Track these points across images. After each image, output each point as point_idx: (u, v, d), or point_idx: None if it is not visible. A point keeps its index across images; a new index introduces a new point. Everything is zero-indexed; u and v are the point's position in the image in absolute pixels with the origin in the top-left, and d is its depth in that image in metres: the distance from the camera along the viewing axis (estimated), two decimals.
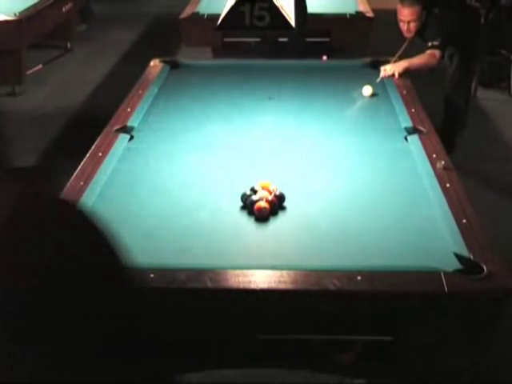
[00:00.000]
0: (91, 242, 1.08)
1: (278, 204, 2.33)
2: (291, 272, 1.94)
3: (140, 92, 3.41)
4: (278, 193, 2.35)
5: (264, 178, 2.44)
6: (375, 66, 3.81)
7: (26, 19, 5.51)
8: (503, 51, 5.74)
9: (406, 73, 3.70)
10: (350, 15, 4.95)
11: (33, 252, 0.96)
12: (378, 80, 3.56)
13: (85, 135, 3.23)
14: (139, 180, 2.60)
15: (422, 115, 3.09)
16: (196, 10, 5.10)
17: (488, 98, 5.66)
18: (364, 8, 5.13)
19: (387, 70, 3.66)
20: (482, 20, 5.46)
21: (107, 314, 1.05)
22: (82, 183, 2.47)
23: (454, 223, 2.19)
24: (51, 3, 6.06)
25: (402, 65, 3.71)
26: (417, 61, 3.85)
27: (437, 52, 3.90)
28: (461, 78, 4.37)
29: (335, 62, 4.06)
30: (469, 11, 4.57)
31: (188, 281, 1.92)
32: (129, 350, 1.11)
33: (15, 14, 5.44)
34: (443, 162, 2.56)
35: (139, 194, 2.49)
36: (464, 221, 2.19)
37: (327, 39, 4.82)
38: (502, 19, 5.66)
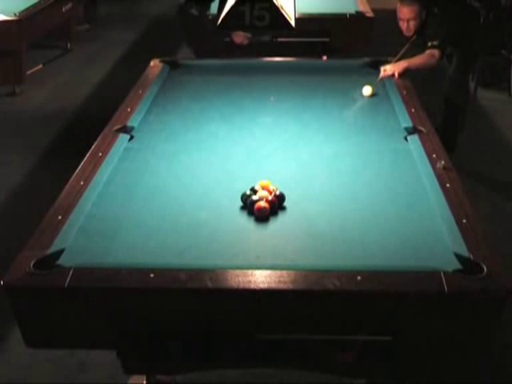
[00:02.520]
0: None
1: (277, 204, 2.33)
2: (291, 272, 1.94)
3: (140, 92, 3.41)
4: (278, 193, 2.35)
5: (264, 178, 2.44)
6: (375, 65, 3.82)
7: (25, 19, 5.52)
8: (503, 51, 5.74)
9: (405, 73, 3.70)
10: (350, 15, 4.94)
11: None
12: (378, 81, 3.56)
13: (85, 135, 3.23)
14: (139, 180, 2.60)
15: (421, 115, 3.09)
16: None
17: (488, 98, 5.67)
18: (364, 8, 5.13)
19: (387, 70, 3.66)
20: (482, 20, 5.48)
21: None
22: (82, 183, 2.47)
23: (453, 223, 2.18)
24: (51, 3, 6.07)
25: (402, 65, 3.71)
26: (416, 61, 3.85)
27: (436, 52, 3.90)
28: (459, 77, 4.37)
29: (335, 62, 4.05)
30: (468, 11, 4.57)
31: (188, 281, 1.92)
32: None
33: (15, 14, 5.45)
34: (443, 162, 2.56)
35: (139, 194, 2.49)
36: (464, 221, 2.19)
37: (327, 39, 4.81)
38: (502, 19, 5.67)
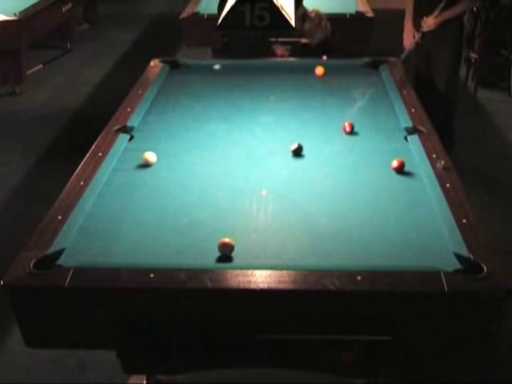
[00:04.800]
0: None
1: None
2: (291, 272, 1.94)
3: (140, 92, 3.41)
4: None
5: (264, 179, 2.43)
6: (375, 65, 3.82)
7: (25, 19, 5.52)
8: (503, 51, 5.74)
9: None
10: (350, 15, 4.94)
11: None
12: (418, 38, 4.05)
13: (85, 135, 3.23)
14: (139, 180, 2.60)
15: (421, 115, 3.08)
16: (196, 10, 5.10)
17: (488, 97, 5.66)
18: (364, 8, 5.12)
19: (427, 23, 4.07)
20: (483, 20, 5.48)
21: None
22: (81, 183, 2.47)
23: (454, 223, 2.18)
24: (51, 3, 6.07)
25: (441, 17, 4.04)
26: (453, 12, 4.09)
27: None
28: (452, 62, 4.34)
29: (335, 62, 4.05)
30: None
31: (188, 281, 1.92)
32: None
33: (15, 14, 5.45)
34: (443, 162, 2.56)
35: (139, 194, 2.49)
36: (464, 221, 2.19)
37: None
38: (502, 19, 5.67)
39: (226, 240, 2.07)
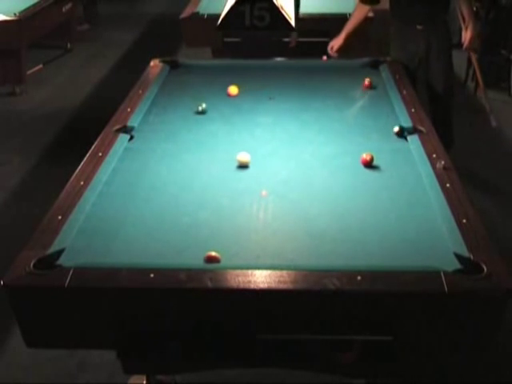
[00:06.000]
0: None
1: None
2: (291, 272, 1.94)
3: (140, 92, 3.41)
4: None
5: (263, 179, 2.43)
6: (375, 65, 3.82)
7: (25, 19, 5.52)
8: (503, 51, 5.74)
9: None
10: (350, 15, 4.93)
11: None
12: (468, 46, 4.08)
13: (85, 135, 3.23)
14: (139, 180, 2.60)
15: (421, 115, 3.08)
16: (196, 10, 5.10)
17: (488, 97, 5.66)
18: None
19: (470, 38, 4.04)
20: (482, 20, 5.48)
21: None
22: (82, 183, 2.47)
23: (453, 223, 2.18)
24: (51, 3, 6.08)
25: (472, 23, 4.03)
26: (469, 9, 4.10)
27: None
28: (447, 60, 4.34)
29: (335, 62, 4.05)
30: None
31: (188, 281, 1.92)
32: None
33: (15, 14, 5.45)
34: (443, 162, 2.56)
35: (139, 193, 2.49)
36: (464, 221, 2.19)
37: (327, 39, 4.81)
38: (502, 19, 5.67)
39: (213, 254, 2.05)
